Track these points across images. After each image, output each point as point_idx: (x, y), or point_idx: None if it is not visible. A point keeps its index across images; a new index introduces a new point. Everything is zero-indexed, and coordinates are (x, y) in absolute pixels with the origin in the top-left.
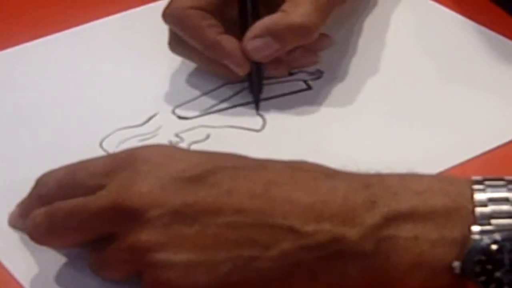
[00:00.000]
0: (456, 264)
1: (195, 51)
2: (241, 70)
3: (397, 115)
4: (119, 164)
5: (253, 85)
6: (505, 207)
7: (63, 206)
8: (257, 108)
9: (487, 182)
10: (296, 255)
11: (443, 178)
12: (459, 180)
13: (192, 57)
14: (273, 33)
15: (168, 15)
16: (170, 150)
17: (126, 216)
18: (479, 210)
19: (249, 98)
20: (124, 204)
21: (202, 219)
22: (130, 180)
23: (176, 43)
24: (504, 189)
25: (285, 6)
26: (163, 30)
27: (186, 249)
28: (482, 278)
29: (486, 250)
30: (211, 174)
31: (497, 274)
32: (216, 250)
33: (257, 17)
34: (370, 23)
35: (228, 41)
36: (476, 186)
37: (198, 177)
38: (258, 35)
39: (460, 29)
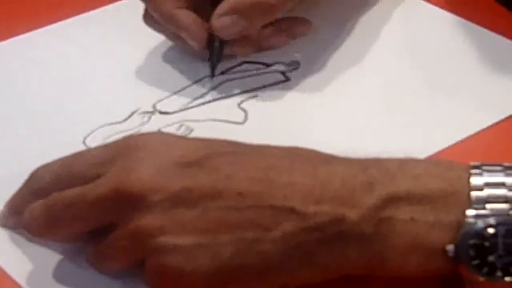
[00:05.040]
0: (450, 247)
1: (161, 24)
2: (196, 44)
3: (375, 102)
4: (116, 153)
5: (212, 55)
6: (500, 192)
7: (62, 196)
8: (212, 74)
9: (485, 167)
10: (298, 237)
11: (441, 162)
12: (457, 165)
13: (160, 30)
14: (239, 11)
15: None
16: (167, 137)
17: (126, 202)
18: (474, 194)
19: (228, 91)
20: (124, 191)
21: (203, 203)
22: (128, 167)
23: (148, 17)
24: (501, 174)
25: None
26: (141, 28)
27: (188, 233)
28: (476, 262)
29: (480, 234)
30: (209, 160)
31: (491, 258)
32: (218, 233)
33: None
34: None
35: (185, 15)
36: (473, 171)
37: (197, 162)
38: (224, 13)
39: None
